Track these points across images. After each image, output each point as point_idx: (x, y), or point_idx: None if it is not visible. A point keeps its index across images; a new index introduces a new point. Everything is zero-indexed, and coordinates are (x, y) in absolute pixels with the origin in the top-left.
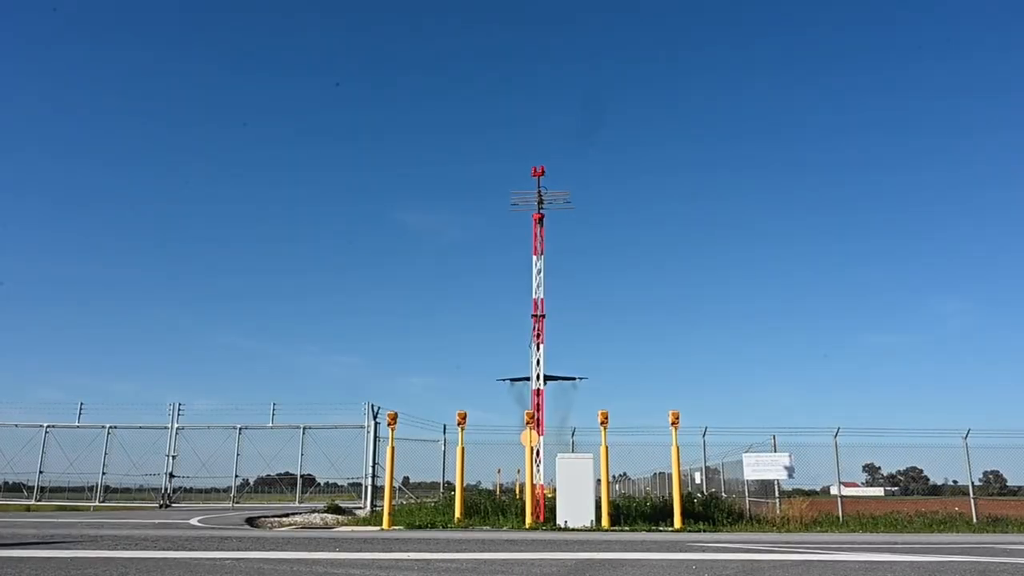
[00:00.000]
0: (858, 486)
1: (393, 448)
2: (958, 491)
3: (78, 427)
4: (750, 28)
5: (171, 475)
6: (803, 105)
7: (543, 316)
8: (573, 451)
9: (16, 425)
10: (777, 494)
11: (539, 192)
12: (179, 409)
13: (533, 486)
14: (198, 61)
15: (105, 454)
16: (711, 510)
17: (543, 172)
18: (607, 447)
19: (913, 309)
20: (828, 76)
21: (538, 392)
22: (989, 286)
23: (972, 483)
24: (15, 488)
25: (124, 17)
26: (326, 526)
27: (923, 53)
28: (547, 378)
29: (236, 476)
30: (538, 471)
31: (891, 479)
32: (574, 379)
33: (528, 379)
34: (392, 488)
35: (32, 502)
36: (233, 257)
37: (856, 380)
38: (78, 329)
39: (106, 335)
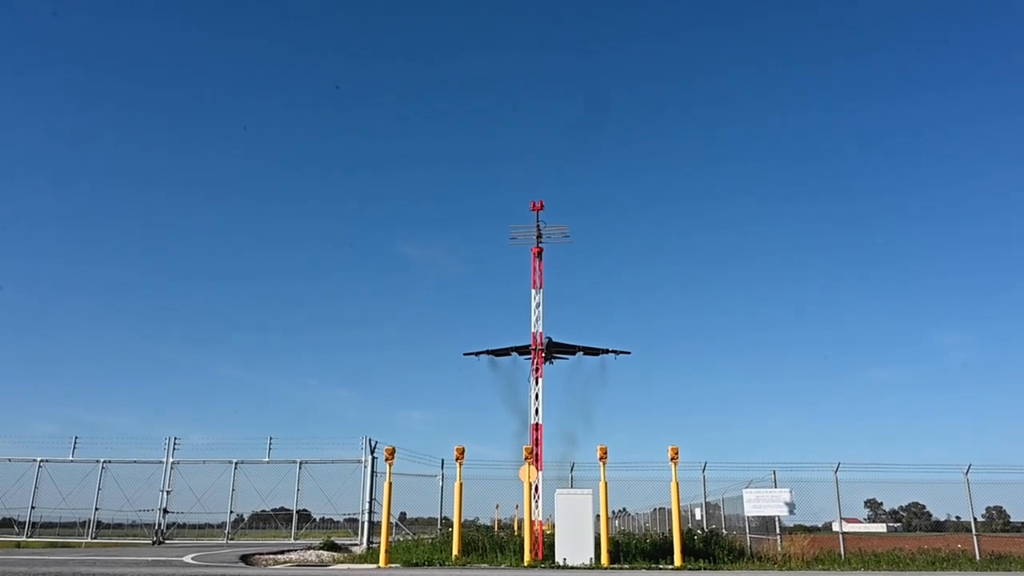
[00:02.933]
0: (860, 522)
1: (390, 483)
2: (961, 527)
3: (72, 461)
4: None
5: (165, 511)
6: (803, 136)
7: (541, 350)
8: (572, 486)
9: (9, 459)
10: (778, 530)
11: (538, 226)
12: (175, 443)
13: (532, 522)
14: (198, 82)
15: (99, 489)
16: (712, 547)
17: (542, 206)
18: (606, 482)
19: (914, 342)
20: (832, 108)
21: (536, 427)
22: (989, 319)
23: (975, 519)
24: (6, 524)
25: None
26: (322, 564)
27: (927, 81)
28: (586, 350)
29: (231, 512)
30: (536, 507)
31: (893, 515)
32: (612, 352)
33: (495, 352)
34: (389, 524)
35: (23, 538)
36: (232, 289)
37: (857, 414)
38: (75, 362)
39: (103, 368)
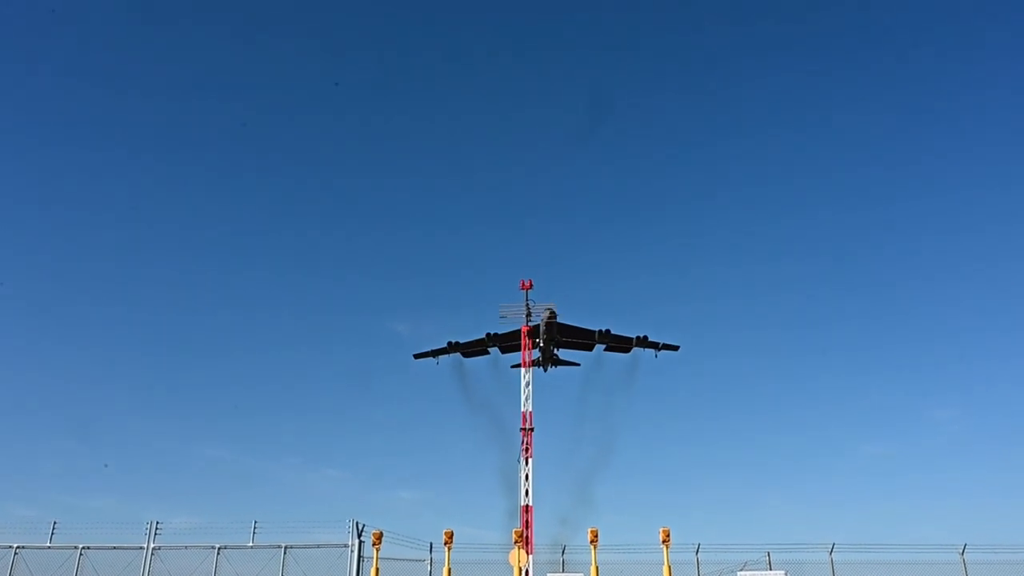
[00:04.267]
0: None
1: (377, 569)
2: None
3: (49, 548)
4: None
5: None
6: (793, 197)
7: (531, 429)
8: (563, 570)
9: None
10: None
11: (527, 305)
12: (156, 528)
13: None
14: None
15: None
16: None
17: (531, 285)
18: (597, 566)
19: (908, 417)
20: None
21: (527, 508)
22: (980, 392)
23: None
24: None
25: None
26: None
27: (923, 149)
28: (610, 342)
29: None
30: None
31: None
32: (651, 345)
33: (462, 349)
34: None
35: None
36: (216, 367)
37: (852, 492)
38: (54, 442)
39: (83, 448)
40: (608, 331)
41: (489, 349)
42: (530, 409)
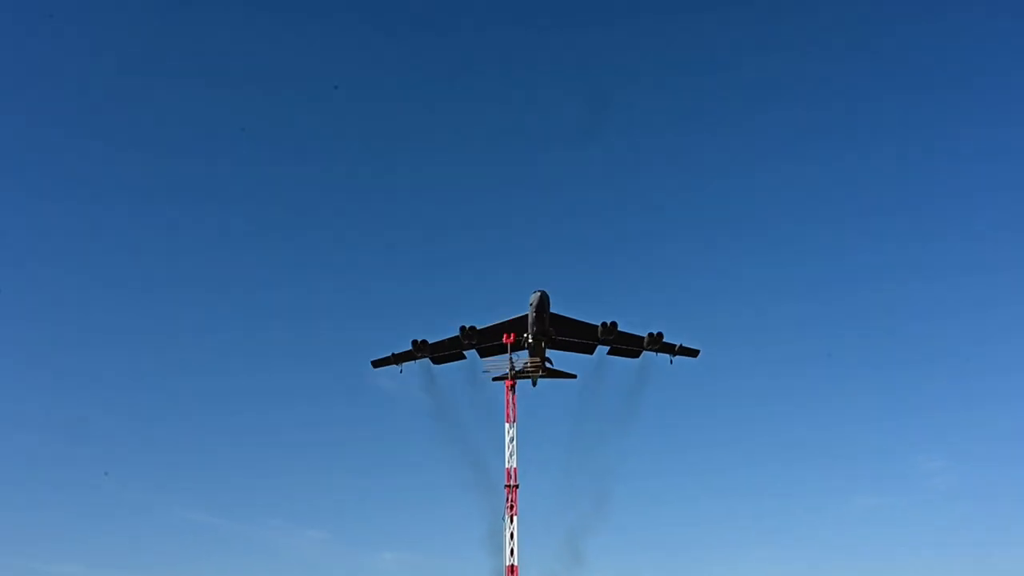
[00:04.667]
0: None
1: None
2: None
3: None
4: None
5: None
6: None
7: (516, 486)
8: None
9: None
10: None
11: (511, 360)
12: None
13: None
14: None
15: None
16: None
17: (514, 340)
18: None
19: (900, 469)
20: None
21: (512, 569)
22: (969, 444)
23: None
24: None
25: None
26: None
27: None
28: (621, 340)
29: None
30: None
31: None
32: (675, 348)
33: (402, 358)
34: None
35: None
36: (195, 428)
37: (847, 545)
38: (24, 506)
39: (54, 512)
40: (614, 325)
41: (464, 353)
42: (515, 465)
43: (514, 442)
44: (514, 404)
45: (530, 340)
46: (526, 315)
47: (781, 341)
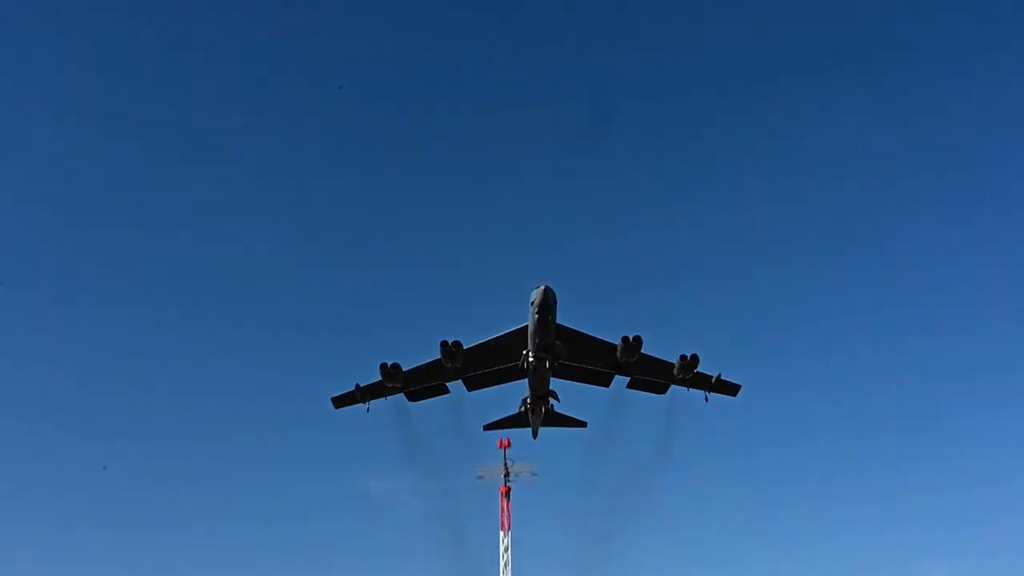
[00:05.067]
0: None
1: None
2: None
3: None
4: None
5: None
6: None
7: None
8: None
9: None
10: None
11: (505, 464)
12: None
13: None
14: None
15: None
16: None
17: (509, 444)
18: None
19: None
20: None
21: None
22: (974, 549)
23: None
24: None
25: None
26: None
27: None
28: (644, 368)
29: None
30: None
31: None
32: (711, 381)
33: (368, 393)
34: None
35: None
36: (180, 540)
37: None
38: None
39: None
40: (637, 340)
41: (448, 385)
42: None
43: (508, 552)
44: (509, 512)
45: (531, 359)
46: (525, 327)
47: (783, 437)
